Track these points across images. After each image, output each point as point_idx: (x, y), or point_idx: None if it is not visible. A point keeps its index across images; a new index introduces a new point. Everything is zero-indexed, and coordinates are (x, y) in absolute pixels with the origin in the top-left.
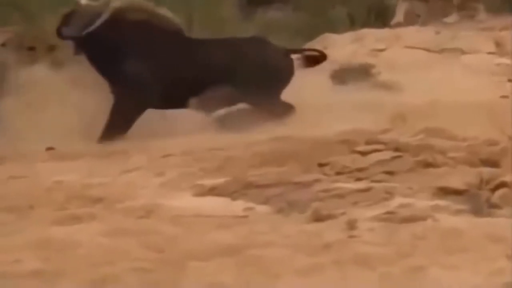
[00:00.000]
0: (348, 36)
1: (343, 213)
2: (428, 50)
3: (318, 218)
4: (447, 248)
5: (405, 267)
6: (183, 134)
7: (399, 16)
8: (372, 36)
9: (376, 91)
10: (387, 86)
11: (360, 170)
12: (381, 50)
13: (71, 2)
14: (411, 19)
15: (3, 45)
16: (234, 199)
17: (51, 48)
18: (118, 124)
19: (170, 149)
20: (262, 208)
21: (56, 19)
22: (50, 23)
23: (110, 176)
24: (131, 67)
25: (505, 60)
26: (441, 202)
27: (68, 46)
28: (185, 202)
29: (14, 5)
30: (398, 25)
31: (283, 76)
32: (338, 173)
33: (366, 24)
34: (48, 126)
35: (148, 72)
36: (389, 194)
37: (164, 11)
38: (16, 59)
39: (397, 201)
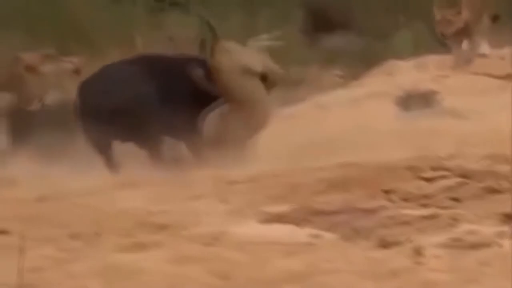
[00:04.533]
0: (412, 62)
1: (409, 240)
2: (492, 76)
3: (384, 244)
4: None
5: None
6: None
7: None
8: (436, 62)
9: (440, 118)
10: (451, 112)
11: (425, 196)
12: (445, 76)
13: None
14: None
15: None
16: (299, 226)
17: None
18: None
19: (235, 176)
20: (328, 235)
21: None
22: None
23: (176, 203)
24: None
25: None
26: (506, 229)
27: None
28: (251, 229)
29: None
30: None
31: None
32: (403, 200)
33: (430, 50)
34: None
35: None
36: (455, 220)
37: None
38: None
39: (463, 227)
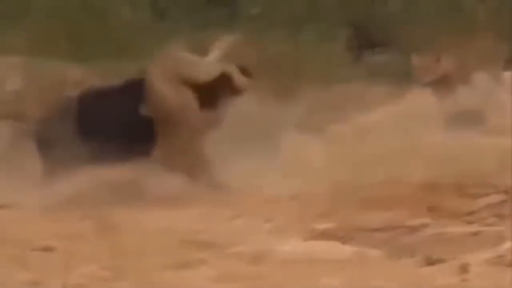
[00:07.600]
0: None
1: (454, 257)
2: None
3: (429, 262)
4: None
5: None
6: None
7: None
8: (482, 79)
9: (484, 135)
10: (495, 130)
11: (470, 213)
12: (490, 94)
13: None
14: None
15: None
16: (344, 243)
17: None
18: None
19: (279, 194)
20: (372, 252)
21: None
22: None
23: (220, 221)
24: None
25: None
26: None
27: None
28: (295, 246)
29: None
30: None
31: None
32: (448, 217)
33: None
34: None
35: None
36: (499, 237)
37: None
38: None
39: (508, 244)
